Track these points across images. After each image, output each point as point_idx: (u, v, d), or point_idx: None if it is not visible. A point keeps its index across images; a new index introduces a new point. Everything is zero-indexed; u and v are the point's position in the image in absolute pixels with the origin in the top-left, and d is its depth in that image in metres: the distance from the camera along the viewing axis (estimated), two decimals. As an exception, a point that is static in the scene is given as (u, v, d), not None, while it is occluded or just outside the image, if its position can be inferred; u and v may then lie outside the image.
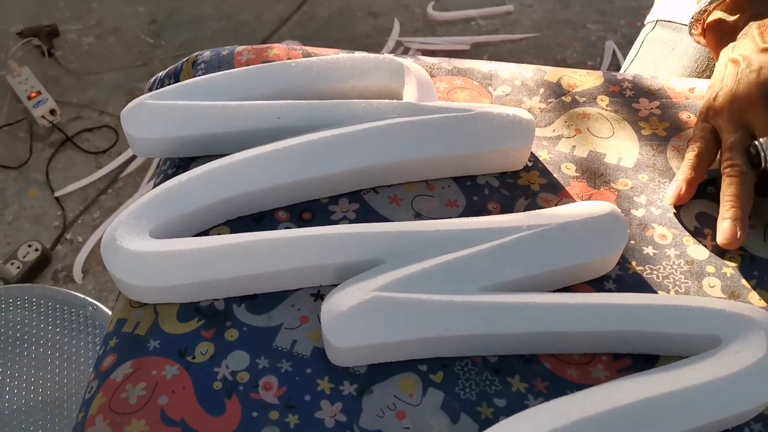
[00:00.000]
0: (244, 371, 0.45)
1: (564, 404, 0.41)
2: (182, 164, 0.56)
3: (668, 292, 0.49)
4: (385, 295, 0.43)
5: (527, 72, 0.62)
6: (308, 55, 0.62)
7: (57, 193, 1.49)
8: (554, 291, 0.48)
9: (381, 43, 1.82)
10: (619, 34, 1.84)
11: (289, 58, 0.61)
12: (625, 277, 0.50)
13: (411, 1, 1.93)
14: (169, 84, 0.62)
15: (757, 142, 0.51)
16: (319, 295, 0.48)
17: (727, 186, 0.52)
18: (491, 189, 0.54)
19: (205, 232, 0.51)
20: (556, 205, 0.53)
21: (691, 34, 0.63)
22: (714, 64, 0.60)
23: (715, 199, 0.54)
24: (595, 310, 0.44)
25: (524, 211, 0.52)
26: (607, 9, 1.91)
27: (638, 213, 0.53)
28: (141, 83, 1.71)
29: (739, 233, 0.50)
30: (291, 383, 0.44)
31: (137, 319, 0.47)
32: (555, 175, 0.55)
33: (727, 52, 0.57)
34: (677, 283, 0.49)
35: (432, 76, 0.61)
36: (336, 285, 0.47)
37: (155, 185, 0.52)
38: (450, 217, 0.52)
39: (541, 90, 0.61)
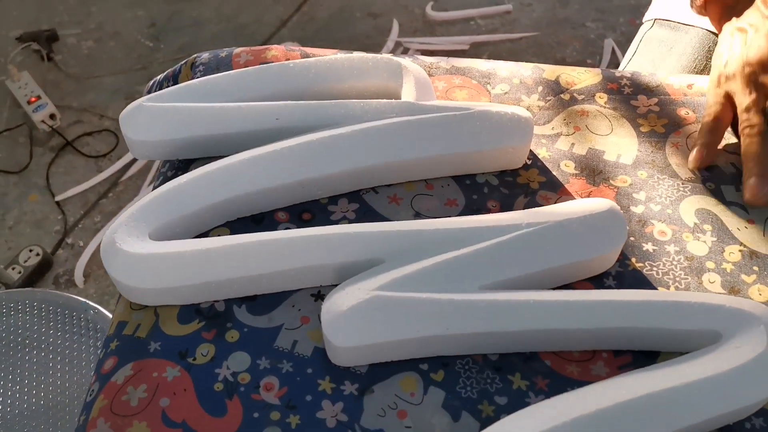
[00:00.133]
0: (245, 372, 0.45)
1: (565, 401, 0.40)
2: (181, 166, 0.56)
3: (668, 288, 0.49)
4: (385, 294, 0.43)
5: (525, 70, 0.62)
6: (306, 55, 0.62)
7: (58, 198, 1.49)
8: (554, 288, 0.48)
9: (380, 43, 1.82)
10: (618, 32, 1.84)
11: (288, 59, 0.61)
12: (625, 273, 0.50)
13: (410, 1, 1.94)
14: (168, 87, 0.62)
15: None
16: (319, 295, 0.48)
17: (747, 146, 0.54)
18: (490, 187, 0.54)
19: (204, 234, 0.51)
20: (555, 203, 0.53)
21: (692, 6, 0.65)
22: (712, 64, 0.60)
23: (715, 195, 0.54)
24: (595, 307, 0.44)
25: (524, 209, 0.52)
26: (606, 7, 1.91)
27: (637, 210, 0.53)
28: (141, 87, 1.71)
29: (765, 189, 0.52)
30: (292, 383, 0.44)
31: (138, 321, 0.47)
32: (554, 173, 0.55)
33: (732, 23, 0.60)
34: (677, 279, 0.49)
35: (430, 75, 0.61)
36: (336, 285, 0.47)
37: (155, 188, 0.52)
38: (449, 216, 0.52)
39: (540, 88, 0.61)
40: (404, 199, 0.53)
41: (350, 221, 0.52)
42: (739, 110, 0.56)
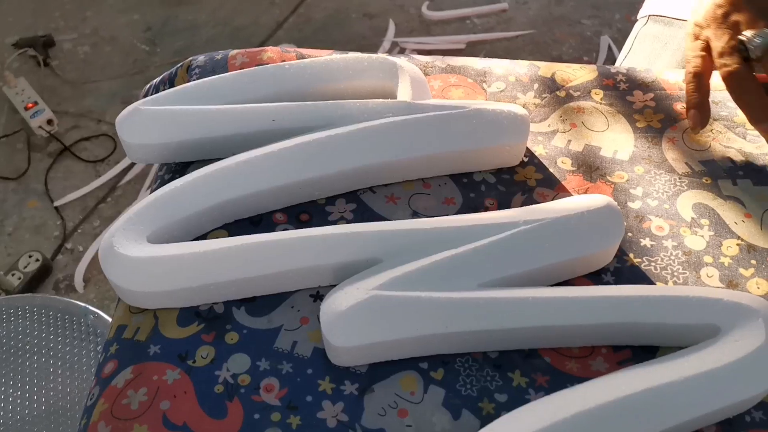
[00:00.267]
0: (245, 374, 0.45)
1: (565, 397, 0.41)
2: (179, 169, 0.56)
3: (666, 283, 0.49)
4: (383, 293, 0.43)
5: (521, 68, 0.62)
6: (302, 56, 0.62)
7: (56, 203, 1.49)
8: (553, 285, 0.48)
9: (377, 44, 1.82)
10: (614, 28, 1.84)
11: (283, 61, 0.61)
12: (623, 269, 0.50)
13: (406, 1, 1.94)
14: (164, 90, 0.62)
15: (741, 37, 0.54)
16: (318, 295, 0.48)
17: (733, 90, 0.54)
18: (488, 185, 0.54)
19: (202, 236, 0.51)
20: (552, 200, 0.53)
21: None
22: None
23: (711, 190, 0.54)
24: (593, 303, 0.44)
25: (521, 206, 0.52)
26: (601, 3, 1.92)
27: (635, 205, 0.53)
28: (138, 91, 1.69)
29: None
30: (292, 384, 0.44)
31: (137, 324, 0.47)
32: (551, 170, 0.55)
33: None
34: (675, 273, 0.49)
35: (426, 74, 0.61)
36: (335, 285, 0.47)
37: (152, 191, 0.52)
38: (447, 215, 0.52)
39: (536, 85, 0.61)
40: (402, 199, 0.53)
41: (348, 221, 0.52)
42: (714, 57, 0.56)
